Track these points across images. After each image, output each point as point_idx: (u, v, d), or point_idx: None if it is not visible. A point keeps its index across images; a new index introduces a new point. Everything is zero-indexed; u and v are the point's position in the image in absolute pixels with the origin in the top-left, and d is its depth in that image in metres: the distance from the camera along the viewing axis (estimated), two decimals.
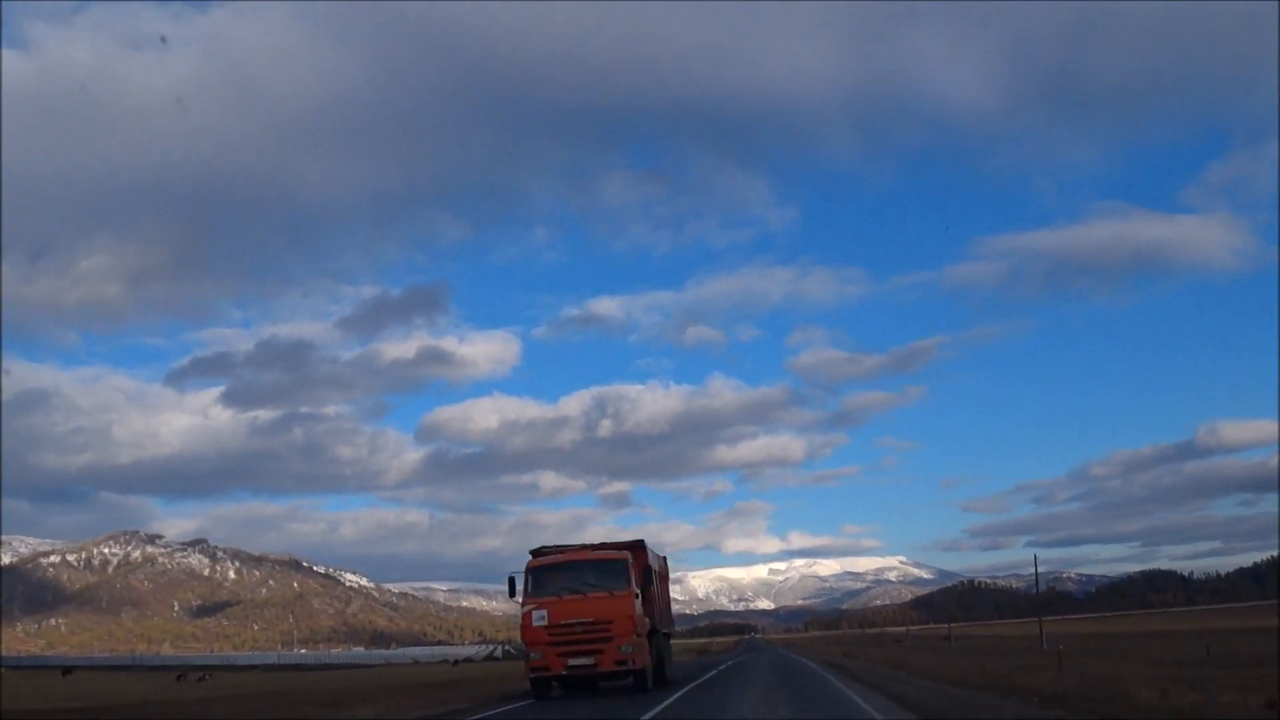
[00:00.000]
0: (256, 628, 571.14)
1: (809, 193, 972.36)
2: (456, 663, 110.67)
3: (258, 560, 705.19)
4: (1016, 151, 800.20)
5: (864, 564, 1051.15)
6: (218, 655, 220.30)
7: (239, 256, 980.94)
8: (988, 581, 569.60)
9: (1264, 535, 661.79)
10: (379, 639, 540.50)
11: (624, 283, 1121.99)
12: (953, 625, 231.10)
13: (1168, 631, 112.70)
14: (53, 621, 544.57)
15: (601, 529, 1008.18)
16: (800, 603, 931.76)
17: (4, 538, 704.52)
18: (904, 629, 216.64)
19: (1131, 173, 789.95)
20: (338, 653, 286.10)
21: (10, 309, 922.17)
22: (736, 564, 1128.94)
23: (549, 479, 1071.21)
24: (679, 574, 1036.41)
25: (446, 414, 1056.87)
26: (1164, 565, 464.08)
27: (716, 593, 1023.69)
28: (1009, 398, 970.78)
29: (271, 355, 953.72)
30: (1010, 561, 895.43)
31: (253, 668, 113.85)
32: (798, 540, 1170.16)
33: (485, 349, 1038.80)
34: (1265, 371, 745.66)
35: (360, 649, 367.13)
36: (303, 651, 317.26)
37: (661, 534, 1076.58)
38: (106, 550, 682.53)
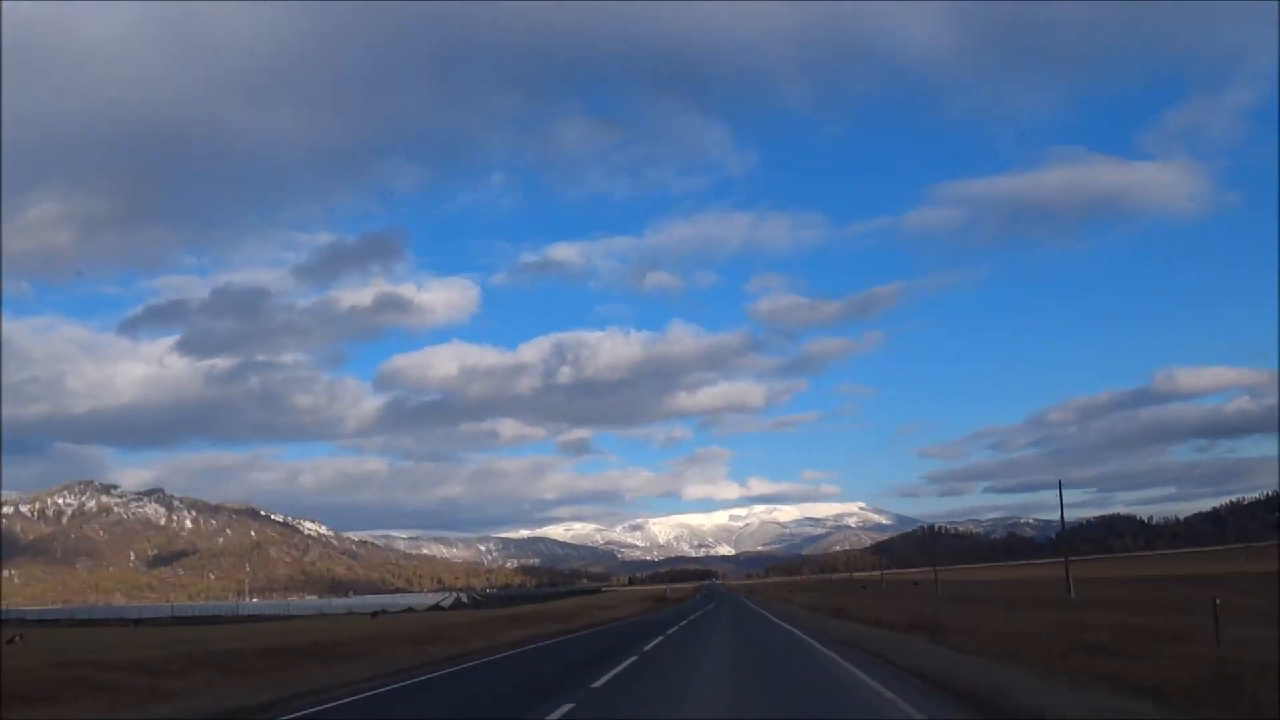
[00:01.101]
0: (213, 577, 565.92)
1: (767, 138, 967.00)
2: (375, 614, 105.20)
3: (215, 510, 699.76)
4: (973, 97, 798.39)
5: (823, 510, 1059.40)
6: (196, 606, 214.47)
7: (192, 204, 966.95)
8: (947, 527, 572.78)
9: (1219, 480, 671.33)
10: (337, 587, 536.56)
11: (582, 229, 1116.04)
12: (917, 570, 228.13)
13: (1160, 576, 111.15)
14: (5, 573, 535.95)
15: (562, 476, 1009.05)
16: (761, 548, 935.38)
17: None
18: (876, 574, 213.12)
19: (1089, 118, 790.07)
20: (294, 601, 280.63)
21: None
22: (697, 510, 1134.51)
23: (508, 426, 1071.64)
24: (640, 520, 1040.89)
25: (404, 362, 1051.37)
26: (1121, 510, 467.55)
27: (678, 539, 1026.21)
28: (966, 344, 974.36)
29: (226, 303, 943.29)
30: (968, 507, 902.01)
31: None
32: (758, 486, 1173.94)
33: (443, 296, 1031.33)
34: (1221, 319, 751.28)
35: (314, 598, 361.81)
36: (255, 600, 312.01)
37: (621, 481, 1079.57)
38: (61, 500, 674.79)
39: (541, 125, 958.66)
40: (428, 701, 20.09)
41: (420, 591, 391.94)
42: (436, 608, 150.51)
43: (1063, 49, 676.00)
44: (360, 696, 20.54)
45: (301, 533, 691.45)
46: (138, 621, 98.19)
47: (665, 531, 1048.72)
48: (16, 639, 51.92)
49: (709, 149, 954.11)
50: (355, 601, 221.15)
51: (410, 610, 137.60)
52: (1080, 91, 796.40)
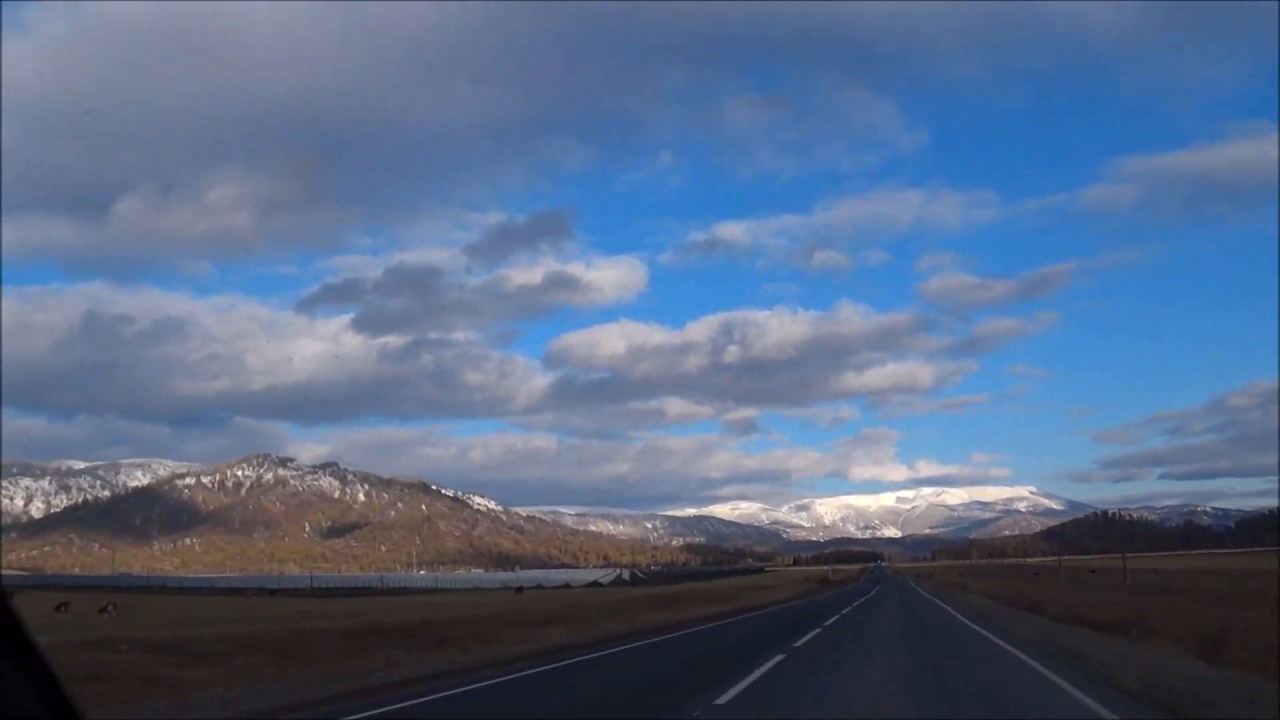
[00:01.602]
0: (384, 549, 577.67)
1: (938, 114, 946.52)
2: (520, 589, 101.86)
3: (387, 483, 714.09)
4: (1152, 69, 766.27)
5: (993, 493, 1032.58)
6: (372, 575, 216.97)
7: (366, 186, 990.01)
8: (1121, 513, 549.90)
9: None
10: (504, 562, 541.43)
11: (750, 207, 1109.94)
12: (1094, 558, 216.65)
13: None
14: (188, 541, 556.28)
15: (728, 455, 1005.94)
16: (928, 531, 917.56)
17: (144, 460, 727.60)
18: (1051, 560, 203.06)
19: (1273, 90, 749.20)
20: (449, 574, 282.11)
21: (145, 241, 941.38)
22: (863, 491, 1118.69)
23: (675, 405, 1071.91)
24: (806, 500, 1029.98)
25: (573, 340, 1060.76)
26: None
27: (844, 520, 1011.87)
28: (1144, 325, 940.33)
29: (400, 282, 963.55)
30: (1143, 494, 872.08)
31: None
32: (926, 469, 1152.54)
33: (612, 275, 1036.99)
34: None
35: (479, 571, 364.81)
36: (422, 573, 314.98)
37: (787, 460, 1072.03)
38: (240, 473, 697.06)
39: (710, 103, 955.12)
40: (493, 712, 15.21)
41: (586, 567, 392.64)
42: (595, 584, 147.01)
43: (1245, 18, 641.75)
44: (409, 702, 15.68)
45: (471, 507, 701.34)
46: (273, 592, 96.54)
47: (831, 512, 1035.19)
48: (109, 608, 50.77)
49: (878, 126, 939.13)
50: (511, 576, 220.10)
51: (567, 586, 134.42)
52: (1264, 62, 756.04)
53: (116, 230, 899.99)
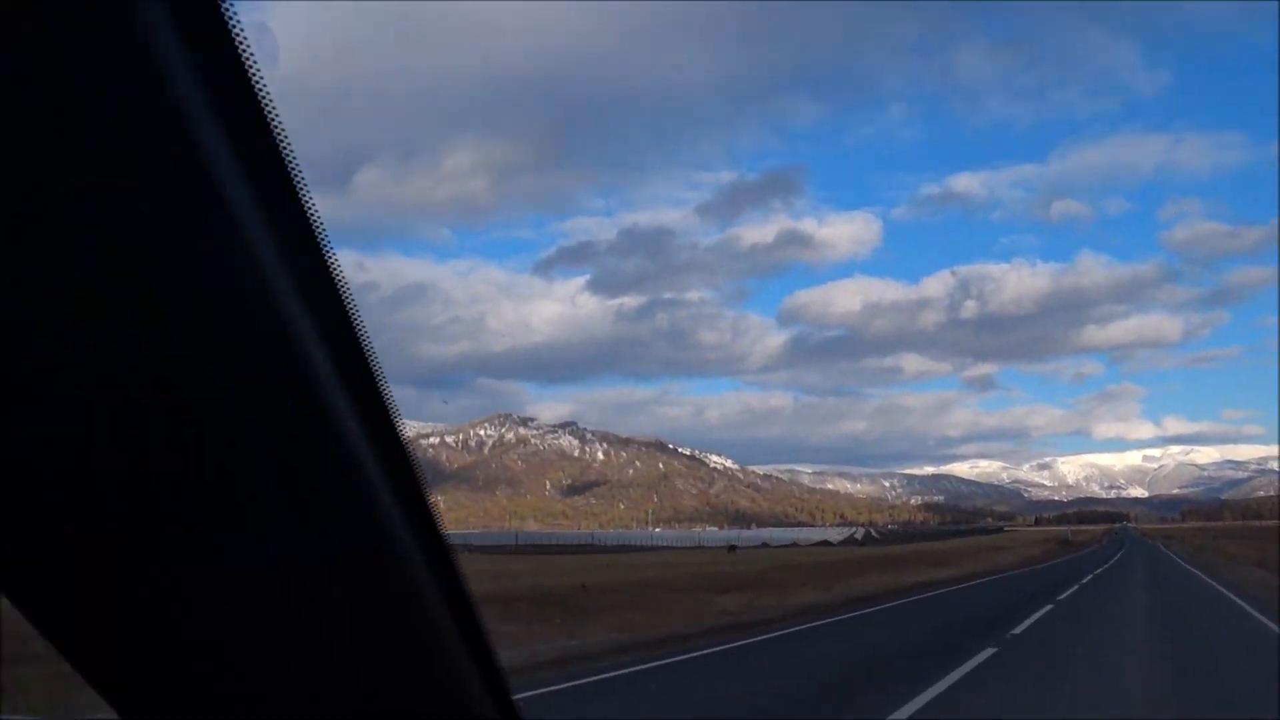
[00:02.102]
0: (623, 506, 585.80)
1: (1181, 54, 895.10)
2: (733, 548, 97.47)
3: (625, 442, 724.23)
4: None
5: (1246, 452, 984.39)
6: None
7: (599, 148, 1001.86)
8: None
9: None
10: (740, 519, 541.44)
11: (984, 158, 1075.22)
12: None
13: None
14: (433, 499, 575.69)
15: (966, 412, 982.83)
16: (1176, 491, 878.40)
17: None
18: None
19: None
20: (695, 532, 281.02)
21: (386, 208, 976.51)
22: (1108, 450, 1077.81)
23: (911, 361, 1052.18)
24: (1048, 459, 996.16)
25: (807, 297, 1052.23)
26: None
27: (1087, 479, 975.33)
28: None
29: (633, 243, 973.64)
30: None
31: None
32: (1173, 426, 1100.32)
33: (845, 230, 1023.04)
34: None
35: (714, 529, 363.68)
36: (657, 530, 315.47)
37: (1027, 418, 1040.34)
38: (483, 432, 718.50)
39: (941, 52, 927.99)
40: None
41: (822, 526, 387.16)
42: (824, 543, 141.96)
43: None
44: None
45: (707, 466, 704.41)
46: (472, 549, 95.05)
47: (1074, 471, 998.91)
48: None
49: (1117, 68, 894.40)
50: (747, 534, 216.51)
51: (794, 545, 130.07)
52: None
53: (358, 200, 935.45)
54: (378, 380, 1.02)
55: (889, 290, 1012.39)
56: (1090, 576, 43.67)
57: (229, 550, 0.96)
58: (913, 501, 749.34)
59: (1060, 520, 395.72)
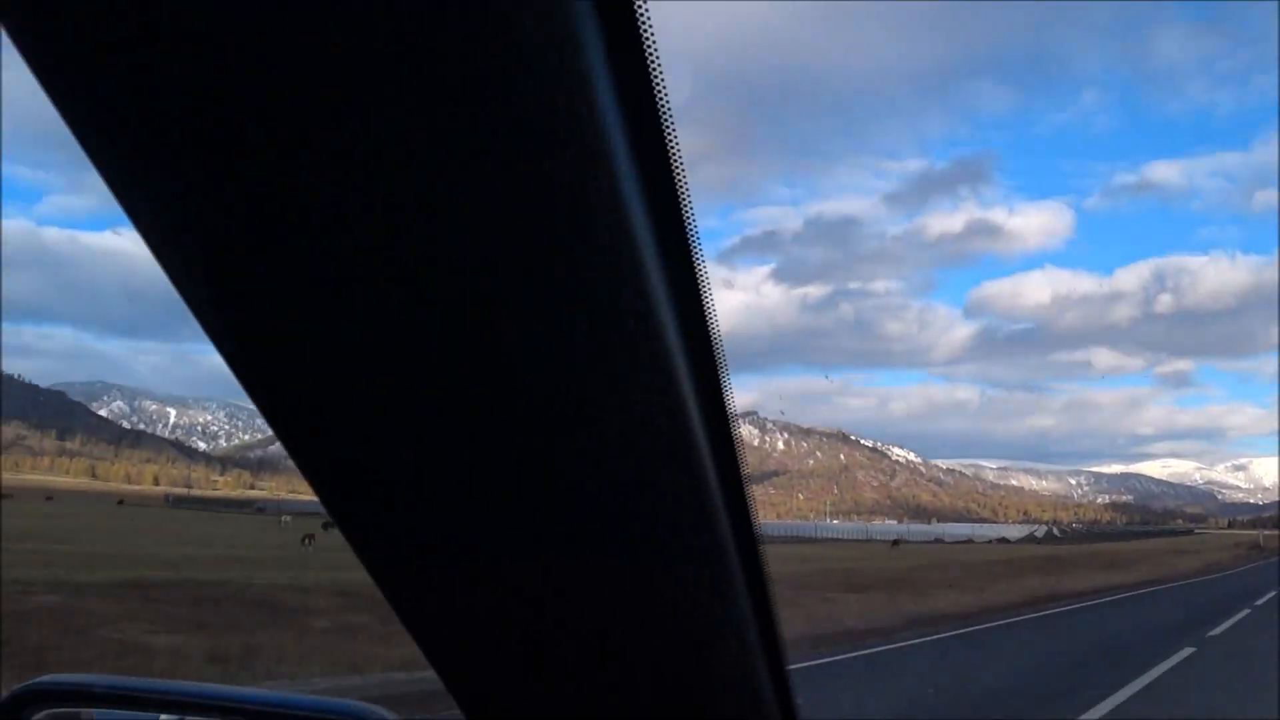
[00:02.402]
0: (801, 497, 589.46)
1: None
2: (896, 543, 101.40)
3: (806, 433, 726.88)
4: None
5: None
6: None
7: (785, 136, 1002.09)
8: None
9: None
10: (920, 513, 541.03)
11: (1183, 146, 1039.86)
12: None
13: None
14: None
15: (1159, 410, 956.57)
16: None
17: None
18: None
19: None
20: (872, 525, 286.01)
21: None
22: None
23: (1102, 356, 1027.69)
24: (1244, 460, 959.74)
25: (995, 289, 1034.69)
26: None
27: None
28: None
29: (819, 232, 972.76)
30: None
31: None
32: None
33: (1035, 220, 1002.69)
34: None
35: (893, 522, 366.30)
36: (834, 523, 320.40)
37: (1224, 417, 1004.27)
38: None
39: (1137, 35, 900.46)
40: None
41: (1005, 522, 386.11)
42: (1002, 540, 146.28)
43: None
44: None
45: (889, 458, 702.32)
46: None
47: (1272, 473, 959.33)
48: (307, 541, 50.27)
49: None
50: (905, 529, 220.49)
51: (969, 541, 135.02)
52: None
53: None
54: (723, 380, 0.82)
55: (1080, 282, 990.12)
56: (1265, 598, 32.07)
57: (591, 548, 0.85)
58: (1100, 501, 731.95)
59: (1255, 524, 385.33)
